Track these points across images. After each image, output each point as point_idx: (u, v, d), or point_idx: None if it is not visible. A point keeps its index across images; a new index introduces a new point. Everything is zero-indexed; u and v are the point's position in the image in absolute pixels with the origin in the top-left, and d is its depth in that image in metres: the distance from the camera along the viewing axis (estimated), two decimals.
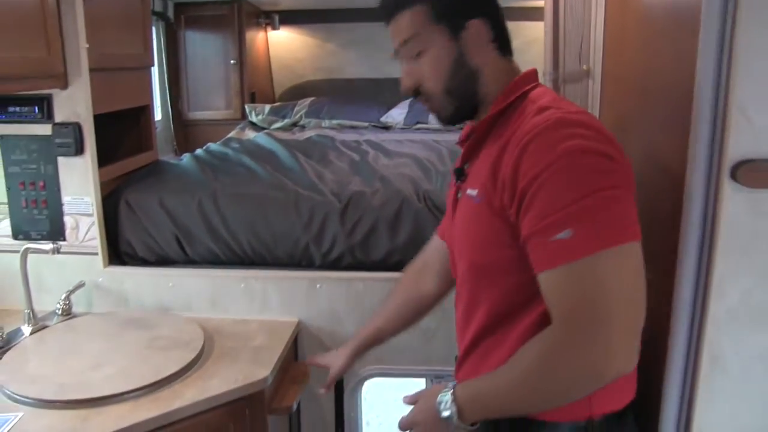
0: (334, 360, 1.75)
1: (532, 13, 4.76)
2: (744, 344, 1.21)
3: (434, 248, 1.67)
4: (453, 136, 3.84)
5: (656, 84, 1.48)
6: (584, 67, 2.03)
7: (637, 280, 1.05)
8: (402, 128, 4.54)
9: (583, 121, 1.11)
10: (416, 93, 1.30)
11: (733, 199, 1.16)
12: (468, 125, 1.39)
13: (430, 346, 2.21)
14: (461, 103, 1.29)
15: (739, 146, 1.14)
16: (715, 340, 1.21)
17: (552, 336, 1.06)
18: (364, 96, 5.12)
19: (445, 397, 1.18)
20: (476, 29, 1.25)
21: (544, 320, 1.10)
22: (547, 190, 1.05)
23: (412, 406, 1.31)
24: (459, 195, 1.33)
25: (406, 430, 1.32)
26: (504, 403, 1.14)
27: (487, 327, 1.25)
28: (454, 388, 1.19)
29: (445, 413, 1.17)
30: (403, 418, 1.33)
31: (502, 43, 1.30)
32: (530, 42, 4.98)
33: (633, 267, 1.05)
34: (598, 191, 1.03)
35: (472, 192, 1.24)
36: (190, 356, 1.89)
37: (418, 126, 4.50)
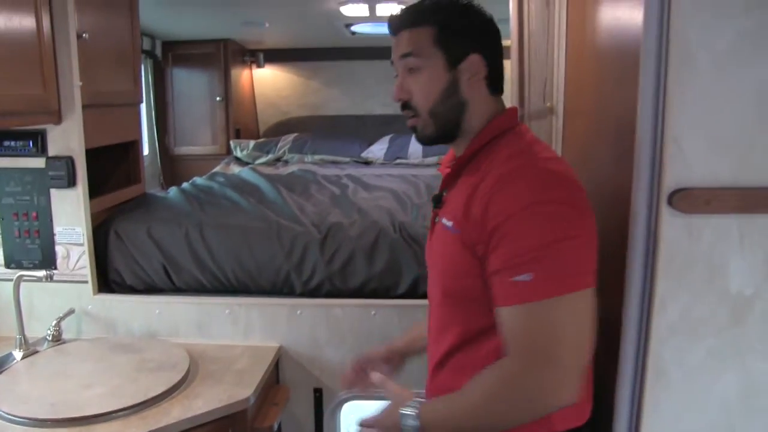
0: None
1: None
2: (684, 356, 1.33)
3: None
4: (430, 171, 3.98)
5: (607, 120, 1.62)
6: (548, 104, 2.18)
7: (586, 325, 1.17)
8: (382, 163, 4.69)
9: (553, 171, 1.23)
10: (405, 106, 1.37)
11: (671, 224, 1.29)
12: (452, 151, 1.47)
13: (408, 367, 2.30)
14: (442, 127, 1.36)
15: (674, 175, 1.27)
16: (659, 353, 1.33)
17: (505, 368, 1.17)
18: (346, 132, 5.27)
19: (409, 411, 1.27)
20: (473, 64, 1.33)
21: None
22: (515, 233, 1.16)
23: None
24: (436, 220, 1.40)
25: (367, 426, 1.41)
26: (460, 424, 1.23)
27: (457, 346, 1.35)
28: (418, 404, 1.28)
29: (406, 421, 1.26)
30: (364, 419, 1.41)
31: (494, 81, 1.38)
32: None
33: (584, 312, 1.17)
34: (560, 240, 1.14)
35: (447, 222, 1.31)
36: (176, 377, 1.98)
37: (398, 161, 4.65)
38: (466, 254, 1.25)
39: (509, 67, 2.23)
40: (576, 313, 1.15)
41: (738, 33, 1.24)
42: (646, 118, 1.29)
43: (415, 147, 4.68)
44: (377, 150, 4.81)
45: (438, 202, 1.43)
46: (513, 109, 1.42)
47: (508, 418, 1.20)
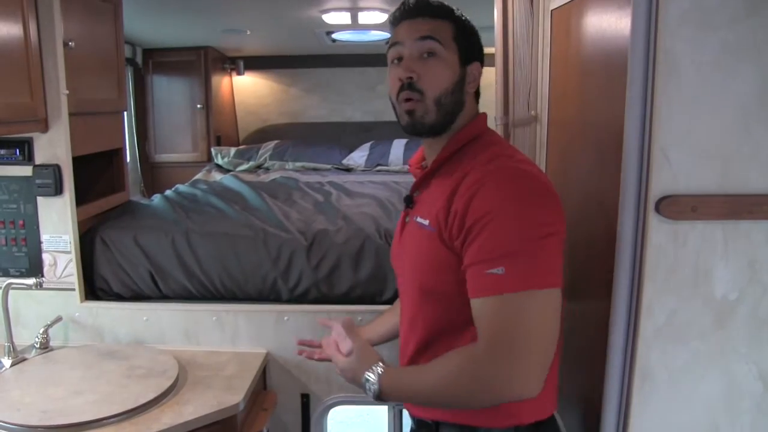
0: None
1: (486, 59, 4.99)
2: (670, 359, 1.37)
3: None
4: (411, 177, 4.00)
5: (593, 129, 1.67)
6: (532, 113, 2.22)
7: (552, 322, 1.23)
8: (363, 170, 4.71)
9: (529, 173, 1.28)
10: (410, 86, 1.36)
11: (658, 230, 1.33)
12: (421, 150, 1.55)
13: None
14: (442, 119, 1.39)
15: (661, 183, 1.32)
16: (646, 356, 1.38)
17: (474, 352, 1.23)
18: (327, 139, 5.29)
19: (371, 376, 1.36)
20: (477, 69, 1.44)
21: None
22: (491, 229, 1.22)
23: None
24: (407, 220, 1.47)
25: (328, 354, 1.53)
26: (417, 396, 1.36)
27: (434, 338, 1.41)
28: (381, 371, 1.36)
29: (368, 386, 1.36)
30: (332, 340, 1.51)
31: (478, 90, 1.48)
32: (484, 86, 5.24)
33: (550, 309, 1.22)
34: (534, 239, 1.21)
35: (422, 221, 1.38)
36: (166, 384, 1.99)
37: (378, 168, 4.68)
38: (442, 250, 1.31)
39: (493, 74, 2.27)
40: (542, 309, 1.21)
41: (722, 45, 1.29)
42: (633, 127, 1.33)
43: (395, 154, 4.71)
44: (358, 157, 4.83)
45: (410, 202, 1.49)
46: (485, 115, 1.49)
47: (463, 400, 1.27)
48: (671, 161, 1.31)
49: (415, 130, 1.40)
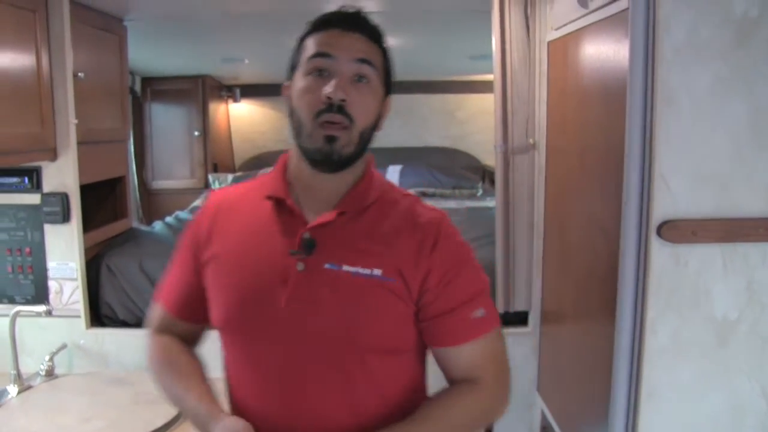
0: None
1: (477, 86, 5.13)
2: (674, 377, 1.42)
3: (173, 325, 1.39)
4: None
5: (592, 156, 1.72)
6: (530, 140, 2.28)
7: None
8: None
9: None
10: (340, 109, 1.15)
11: (660, 253, 1.39)
12: (276, 177, 1.28)
13: None
14: (357, 154, 1.21)
15: (662, 208, 1.38)
16: (651, 374, 1.42)
17: (486, 394, 1.23)
18: None
19: None
20: (388, 104, 1.27)
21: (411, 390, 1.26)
22: (463, 277, 1.22)
23: None
24: (300, 267, 1.18)
25: None
26: None
27: (389, 406, 1.23)
28: None
29: None
30: None
31: None
32: (475, 113, 5.34)
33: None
34: (485, 281, 1.26)
35: (365, 270, 1.18)
36: (174, 410, 2.00)
37: None
38: (400, 303, 1.19)
39: (492, 102, 2.34)
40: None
41: (716, 77, 1.36)
42: (634, 156, 1.39)
43: (391, 179, 4.73)
44: None
45: (312, 246, 1.19)
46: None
47: None
48: (671, 187, 1.37)
49: (328, 160, 1.18)
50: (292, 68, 1.25)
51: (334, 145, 1.16)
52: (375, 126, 1.23)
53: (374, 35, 1.22)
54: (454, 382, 1.24)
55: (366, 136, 1.21)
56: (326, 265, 1.18)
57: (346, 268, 1.17)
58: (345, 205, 1.22)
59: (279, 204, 1.24)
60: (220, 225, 1.29)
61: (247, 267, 1.22)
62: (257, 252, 1.23)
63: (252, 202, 1.29)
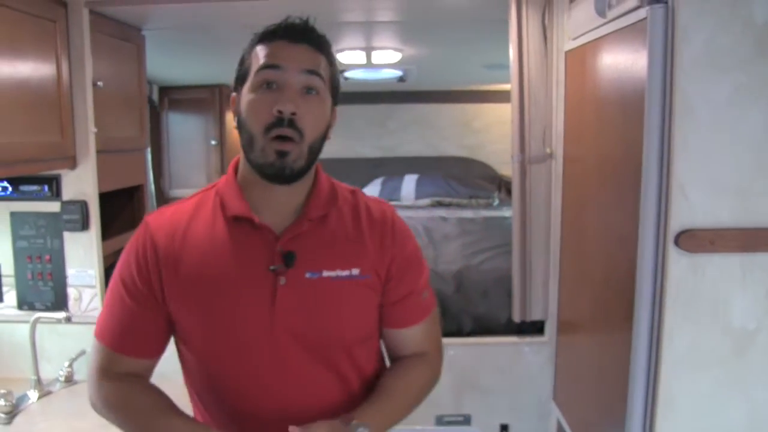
0: None
1: (493, 96, 5.13)
2: (692, 386, 1.41)
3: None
4: (424, 212, 4.05)
5: (610, 165, 1.72)
6: (548, 150, 2.29)
7: None
8: None
9: None
10: (290, 123, 1.15)
11: (678, 263, 1.39)
12: (241, 202, 1.24)
13: None
14: (308, 166, 1.21)
15: (680, 218, 1.37)
16: (668, 383, 1.42)
17: (433, 365, 1.38)
18: (338, 175, 5.25)
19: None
20: (335, 115, 1.29)
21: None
22: (414, 264, 1.34)
23: None
24: (282, 281, 1.20)
25: None
26: (398, 420, 1.30)
27: (360, 392, 1.30)
28: (368, 426, 1.17)
29: None
30: None
31: None
32: (491, 123, 5.34)
33: None
34: (426, 263, 1.39)
35: (342, 272, 1.23)
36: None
37: (391, 203, 4.71)
38: (371, 295, 1.28)
39: (509, 111, 2.34)
40: None
41: (734, 86, 1.36)
42: (652, 166, 1.39)
43: (407, 189, 4.77)
44: (369, 192, 4.88)
45: (292, 259, 1.20)
46: None
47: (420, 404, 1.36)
48: (689, 197, 1.37)
49: (281, 174, 1.18)
50: (238, 80, 1.24)
51: (285, 159, 1.16)
52: (324, 137, 1.24)
53: (321, 46, 1.22)
54: (402, 358, 1.36)
55: (315, 148, 1.21)
56: (307, 275, 1.21)
57: (326, 273, 1.22)
58: (311, 212, 1.24)
59: (243, 221, 1.23)
60: (176, 250, 1.24)
61: (228, 290, 1.21)
62: (234, 273, 1.21)
63: (207, 221, 1.26)
